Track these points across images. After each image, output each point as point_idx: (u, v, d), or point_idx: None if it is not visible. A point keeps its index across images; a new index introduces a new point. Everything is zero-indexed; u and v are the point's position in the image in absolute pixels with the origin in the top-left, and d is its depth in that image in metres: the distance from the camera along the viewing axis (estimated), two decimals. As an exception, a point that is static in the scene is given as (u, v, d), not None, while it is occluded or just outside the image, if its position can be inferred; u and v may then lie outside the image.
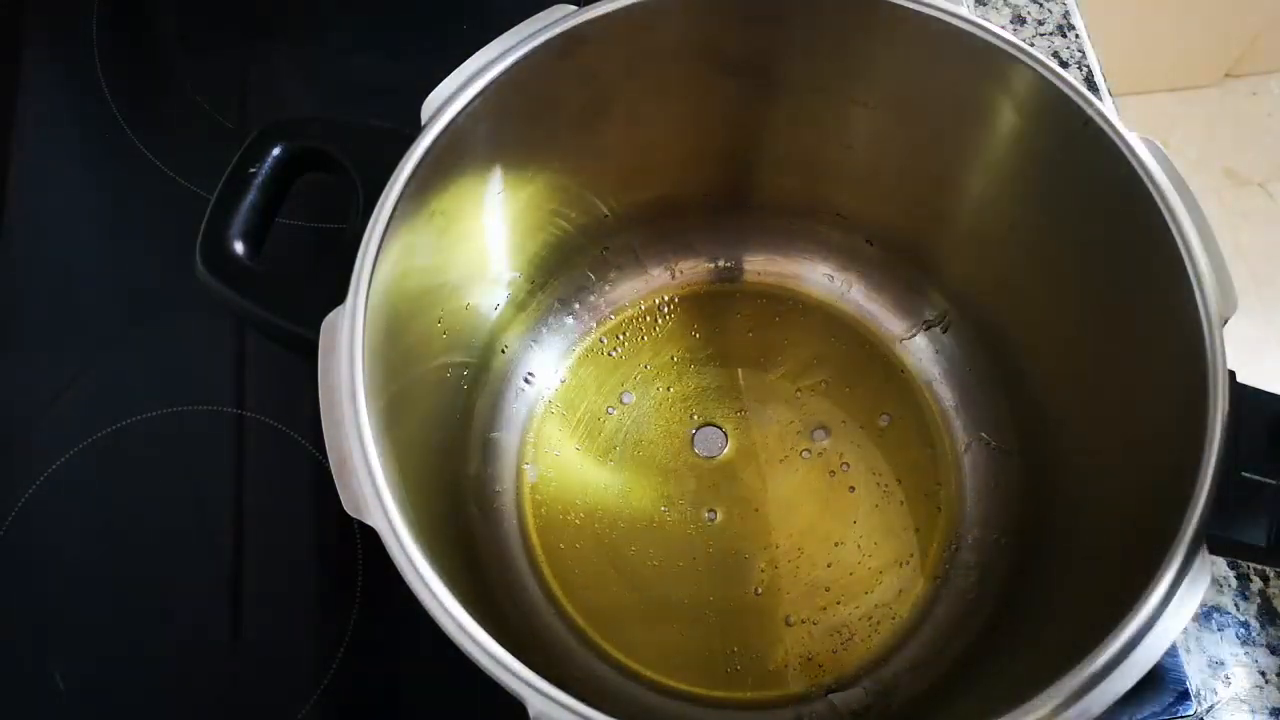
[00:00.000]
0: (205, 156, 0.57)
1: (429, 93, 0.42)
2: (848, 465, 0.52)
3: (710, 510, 0.51)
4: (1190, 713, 0.46)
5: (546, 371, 0.54)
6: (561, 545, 0.51)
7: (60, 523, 0.51)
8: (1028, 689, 0.33)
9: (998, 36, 0.41)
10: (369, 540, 0.49)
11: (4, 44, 0.63)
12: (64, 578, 0.50)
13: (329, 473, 0.35)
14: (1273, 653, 0.48)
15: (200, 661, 0.48)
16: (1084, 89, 0.41)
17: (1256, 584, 0.49)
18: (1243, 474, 0.36)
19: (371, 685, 0.48)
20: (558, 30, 0.42)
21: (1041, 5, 0.64)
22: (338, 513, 0.50)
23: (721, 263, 0.57)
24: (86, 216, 0.59)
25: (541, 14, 0.42)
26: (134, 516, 0.51)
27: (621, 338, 0.55)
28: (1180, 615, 0.33)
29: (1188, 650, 0.48)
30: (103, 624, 0.49)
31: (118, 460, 0.52)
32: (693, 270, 0.57)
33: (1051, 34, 0.63)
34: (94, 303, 0.56)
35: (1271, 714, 0.47)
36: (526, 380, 0.54)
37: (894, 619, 0.49)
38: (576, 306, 0.55)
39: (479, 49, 0.41)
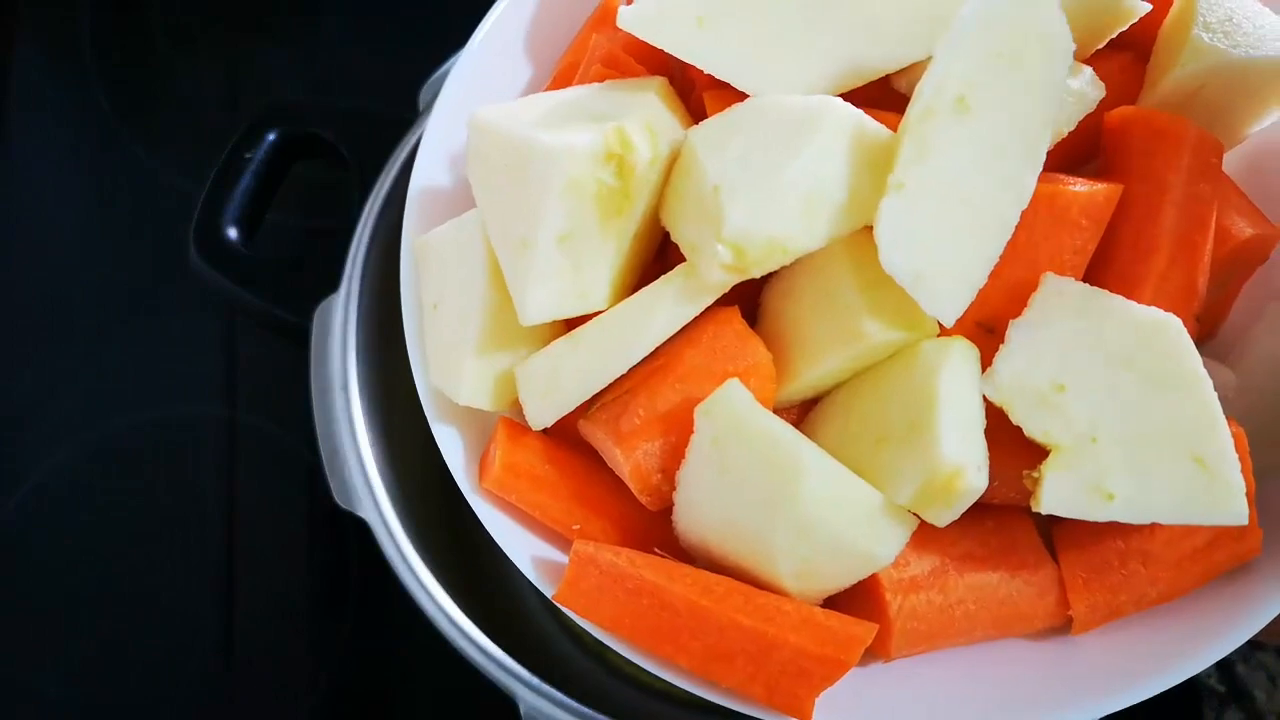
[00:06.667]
0: (197, 153, 0.57)
1: (420, 88, 0.42)
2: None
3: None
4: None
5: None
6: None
7: (52, 526, 0.50)
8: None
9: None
10: (363, 545, 0.48)
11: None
12: (56, 582, 0.50)
13: (323, 473, 0.35)
14: (1278, 655, 0.47)
15: (194, 667, 0.48)
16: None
17: (1260, 586, 0.49)
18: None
19: (365, 692, 0.47)
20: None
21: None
22: (331, 514, 0.50)
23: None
24: (78, 214, 0.58)
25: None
26: (126, 519, 0.51)
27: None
28: None
29: (1191, 652, 0.47)
30: (95, 629, 0.48)
31: (109, 462, 0.51)
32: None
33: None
34: (86, 302, 0.56)
35: (1275, 717, 0.46)
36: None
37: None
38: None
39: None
